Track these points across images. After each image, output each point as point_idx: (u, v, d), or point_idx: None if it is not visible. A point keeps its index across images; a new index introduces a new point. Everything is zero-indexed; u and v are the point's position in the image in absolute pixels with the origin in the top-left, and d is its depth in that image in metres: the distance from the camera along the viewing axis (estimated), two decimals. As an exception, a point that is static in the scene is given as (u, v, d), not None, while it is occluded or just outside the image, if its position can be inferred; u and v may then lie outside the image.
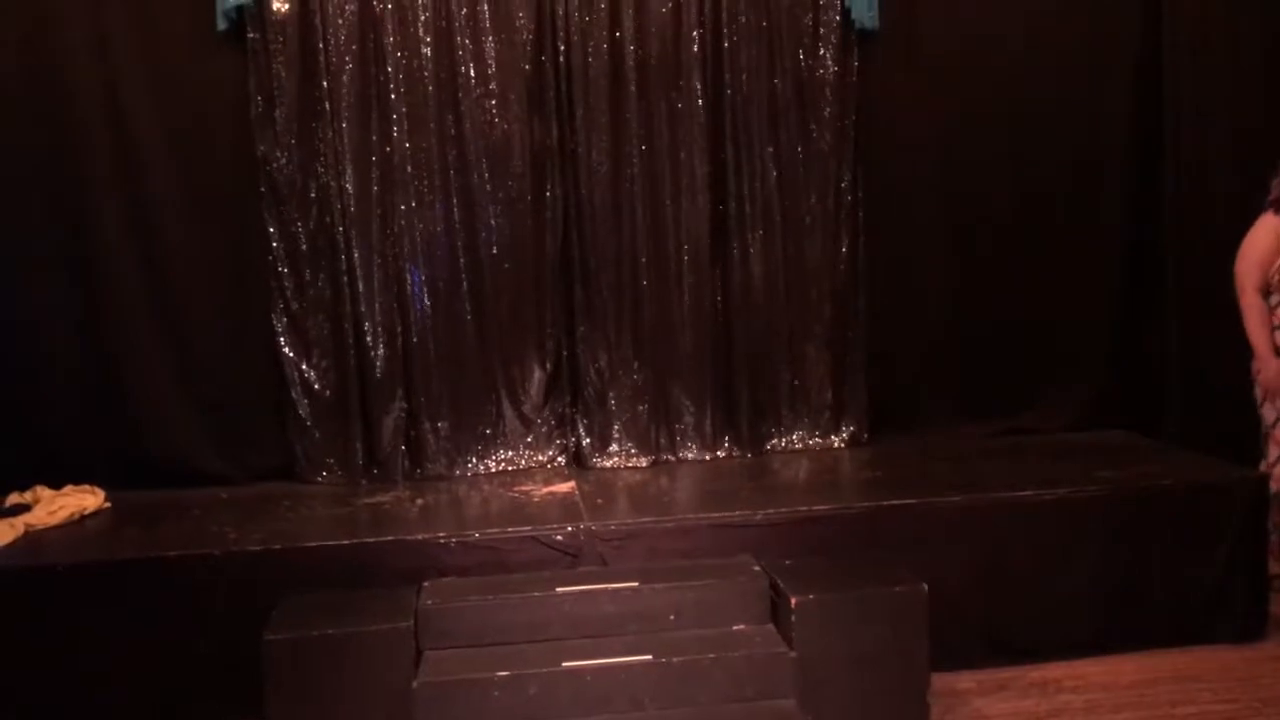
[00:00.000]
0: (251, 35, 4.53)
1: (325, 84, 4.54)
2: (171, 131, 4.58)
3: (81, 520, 4.24)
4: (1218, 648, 4.04)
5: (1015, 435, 5.02)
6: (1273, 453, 4.39)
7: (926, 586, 3.59)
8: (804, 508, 4.05)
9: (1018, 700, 3.73)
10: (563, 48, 4.66)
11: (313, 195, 4.61)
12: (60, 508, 4.23)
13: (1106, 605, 4.04)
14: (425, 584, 3.73)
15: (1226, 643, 4.06)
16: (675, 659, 3.44)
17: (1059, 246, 5.08)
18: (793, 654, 3.47)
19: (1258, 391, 4.43)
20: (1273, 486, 4.30)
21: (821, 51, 4.82)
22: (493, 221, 4.71)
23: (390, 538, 3.90)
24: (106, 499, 4.40)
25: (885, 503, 4.07)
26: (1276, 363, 4.30)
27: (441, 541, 3.85)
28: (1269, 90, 4.86)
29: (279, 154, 4.57)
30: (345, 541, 3.88)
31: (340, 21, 4.54)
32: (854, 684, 3.52)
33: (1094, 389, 5.14)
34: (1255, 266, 4.35)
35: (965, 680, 3.85)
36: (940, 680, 3.69)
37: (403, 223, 4.65)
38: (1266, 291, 4.33)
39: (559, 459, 4.87)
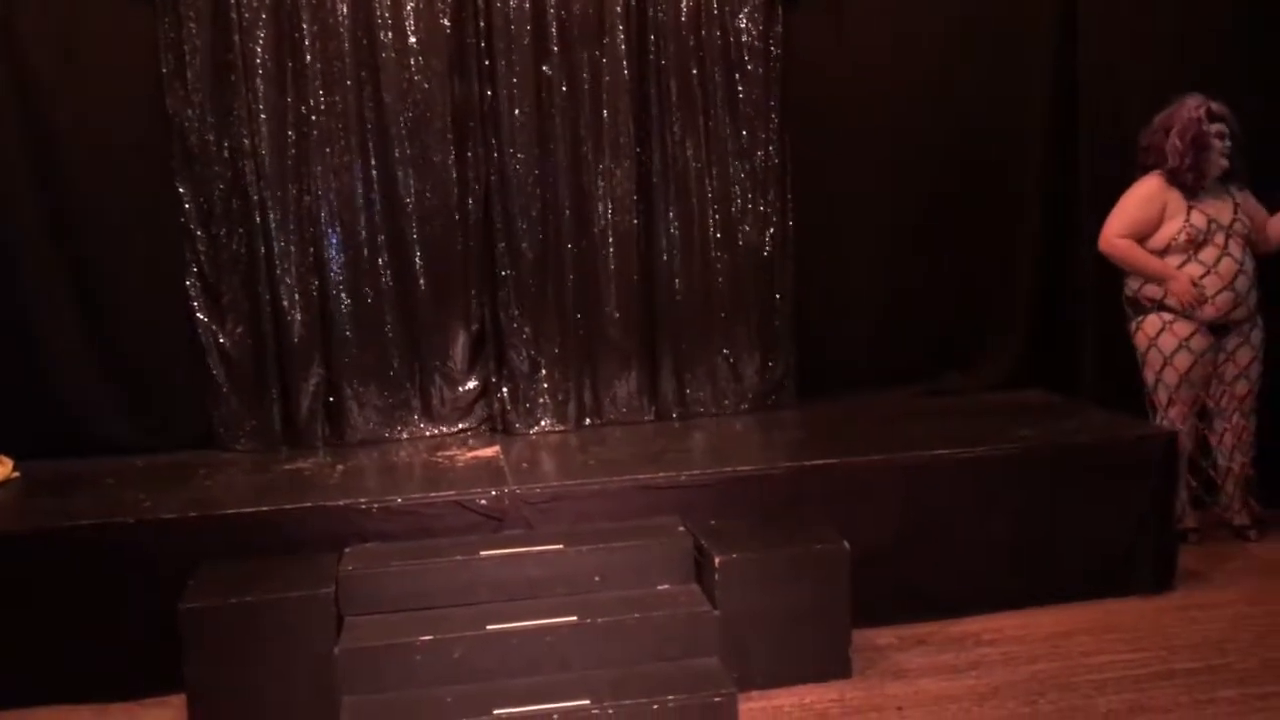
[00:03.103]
0: (161, -11, 4.40)
1: (238, 40, 4.42)
2: (79, 90, 4.44)
3: (-11, 491, 4.13)
4: (1130, 599, 4.14)
5: (938, 396, 5.08)
6: (1163, 397, 4.52)
7: (848, 545, 3.64)
8: (729, 469, 4.07)
9: (936, 654, 3.80)
10: (483, 6, 4.58)
11: (226, 156, 4.50)
12: (-33, 478, 4.12)
13: (1023, 560, 4.12)
14: (346, 550, 3.69)
15: (1138, 594, 4.17)
16: (600, 620, 3.45)
17: (981, 212, 5.13)
18: (716, 613, 3.50)
19: (1139, 340, 4.58)
20: (1183, 443, 4.44)
21: (746, 9, 4.79)
22: (413, 183, 4.63)
23: (310, 504, 3.84)
24: (15, 468, 4.29)
25: (808, 463, 4.10)
26: (1180, 273, 4.42)
27: (363, 507, 3.81)
28: (1182, 59, 4.93)
29: (190, 113, 4.45)
30: (265, 508, 3.81)
31: (253, -24, 4.43)
32: (777, 641, 3.57)
33: (1014, 350, 5.22)
34: (1119, 217, 4.51)
35: (885, 636, 3.91)
36: (861, 636, 3.74)
37: (320, 184, 4.57)
38: (1163, 250, 4.46)
39: (483, 424, 4.83)
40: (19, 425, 4.44)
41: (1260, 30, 4.95)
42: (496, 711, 3.15)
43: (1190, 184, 4.43)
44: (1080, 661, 3.70)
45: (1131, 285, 4.62)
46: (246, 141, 4.48)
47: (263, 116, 4.48)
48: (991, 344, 5.22)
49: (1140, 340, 4.60)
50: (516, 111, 4.64)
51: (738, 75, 4.83)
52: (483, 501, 3.86)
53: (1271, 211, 4.58)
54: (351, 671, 3.31)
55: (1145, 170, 4.55)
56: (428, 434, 4.76)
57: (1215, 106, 4.43)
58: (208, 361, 4.58)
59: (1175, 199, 4.46)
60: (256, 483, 4.19)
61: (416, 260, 4.68)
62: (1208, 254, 4.43)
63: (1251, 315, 4.55)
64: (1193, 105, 4.43)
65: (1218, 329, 4.51)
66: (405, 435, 4.74)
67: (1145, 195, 4.50)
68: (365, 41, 4.54)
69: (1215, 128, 4.41)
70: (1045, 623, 3.99)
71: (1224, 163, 4.44)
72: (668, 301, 4.88)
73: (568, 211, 4.74)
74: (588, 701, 3.18)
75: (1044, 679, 3.59)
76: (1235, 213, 4.48)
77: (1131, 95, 4.91)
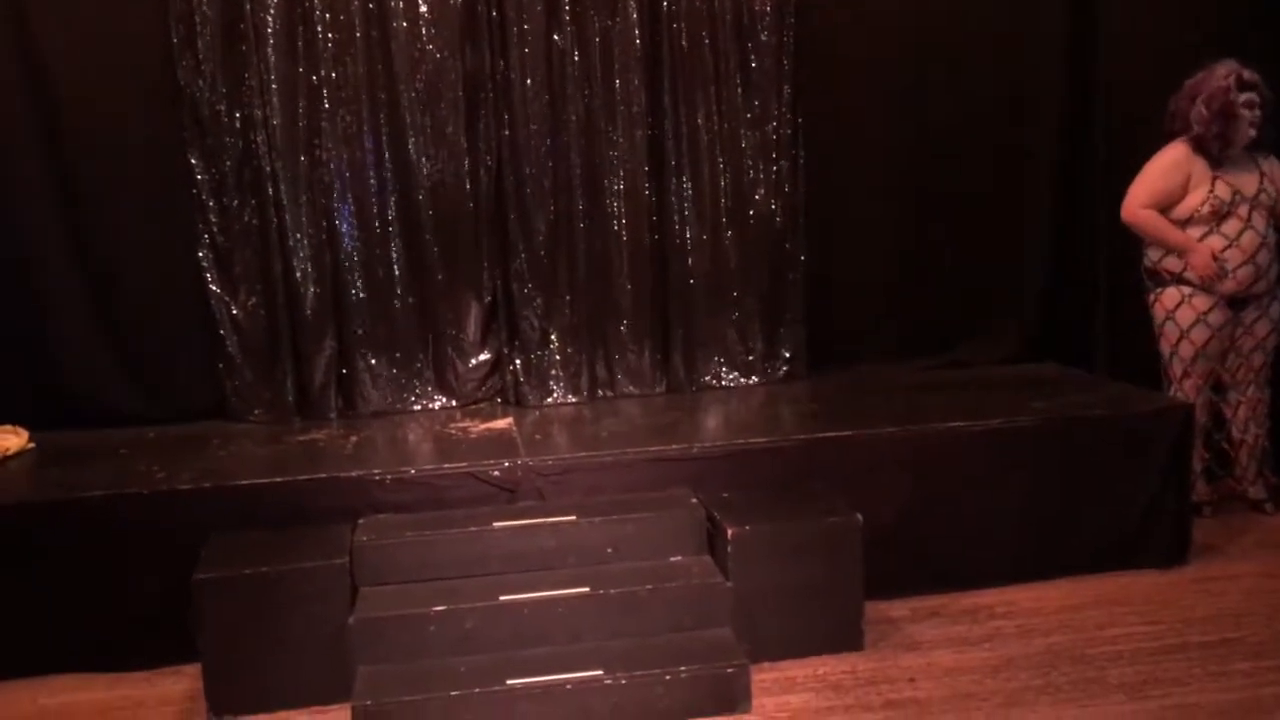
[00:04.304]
0: (170, -42, 4.37)
1: (248, 9, 4.39)
2: (87, 60, 4.41)
3: (4, 462, 4.13)
4: (1143, 572, 4.14)
5: (951, 369, 5.06)
6: (1177, 369, 4.50)
7: (860, 517, 3.64)
8: (741, 441, 4.07)
9: (949, 626, 3.80)
10: (495, -27, 4.56)
11: (237, 126, 4.48)
12: (-18, 449, 4.13)
13: (1037, 533, 4.12)
14: (360, 521, 3.70)
15: (1152, 568, 4.16)
16: (613, 591, 3.46)
17: (995, 184, 5.09)
18: (729, 584, 3.50)
19: (1157, 311, 4.55)
20: (1196, 416, 4.41)
21: (759, -23, 4.76)
22: (424, 154, 4.61)
23: (324, 475, 3.85)
24: (30, 440, 4.30)
25: (821, 435, 4.10)
26: (1202, 246, 4.37)
27: (376, 478, 3.81)
28: (1198, 32, 4.87)
29: (201, 83, 4.43)
30: (278, 479, 3.82)
31: (263, -55, 4.39)
32: (789, 613, 3.58)
33: (1028, 322, 5.19)
34: (1143, 186, 4.45)
35: (899, 608, 3.91)
36: (874, 608, 3.74)
37: (331, 155, 4.54)
38: (1186, 221, 4.41)
39: (496, 396, 4.83)
40: (33, 397, 4.46)
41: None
42: (509, 681, 3.17)
43: (1216, 153, 4.38)
44: (1094, 634, 3.70)
45: (1151, 256, 4.58)
46: (258, 112, 4.46)
47: (274, 87, 4.46)
48: (1005, 316, 5.19)
49: (1158, 312, 4.57)
50: (528, 82, 4.61)
51: (750, 45, 4.79)
52: (495, 473, 3.87)
53: None
54: (365, 641, 3.33)
55: (1171, 136, 4.49)
56: (440, 405, 4.76)
57: (1247, 75, 4.35)
58: (220, 333, 4.58)
59: (1200, 168, 4.40)
60: (270, 454, 4.20)
61: (428, 232, 4.67)
62: (1230, 226, 4.39)
63: (1271, 288, 4.51)
64: (1222, 73, 4.36)
65: (1236, 302, 4.47)
66: (418, 407, 4.74)
67: (1169, 164, 4.44)
68: (376, 11, 4.51)
69: (1245, 97, 4.34)
70: (1058, 595, 3.99)
71: (1251, 133, 4.38)
72: (680, 273, 4.85)
73: (580, 183, 4.72)
74: (600, 672, 3.20)
75: (1057, 651, 3.59)
76: (1261, 183, 4.42)
77: (1151, 65, 4.86)
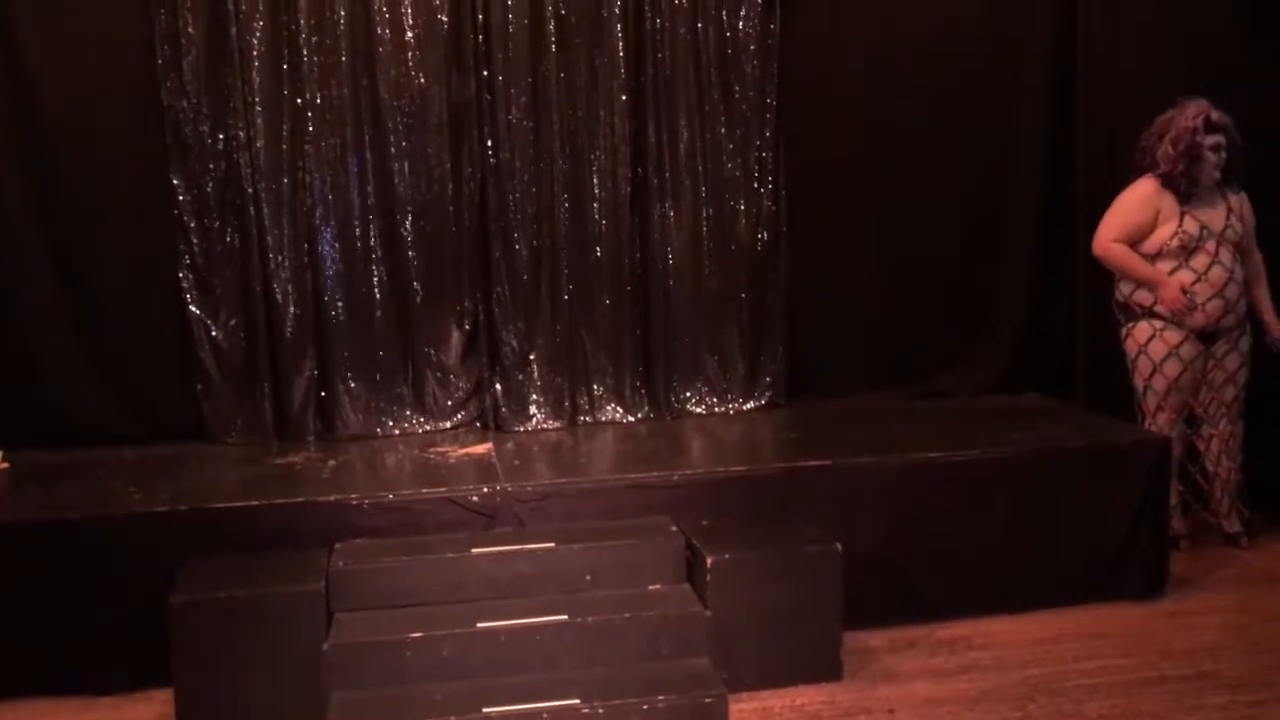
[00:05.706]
0: (156, -21, 4.38)
1: (234, 32, 4.40)
2: (72, 80, 4.40)
3: (-22, 481, 4.11)
4: (1121, 605, 4.15)
5: (931, 398, 5.08)
6: (1151, 403, 4.52)
7: (840, 546, 3.63)
8: (721, 469, 4.07)
9: (927, 657, 3.80)
10: (481, 2, 4.56)
11: (220, 148, 4.48)
12: (-45, 468, 4.09)
13: (1015, 564, 4.12)
14: (337, 545, 3.68)
15: (1129, 600, 4.17)
16: (591, 619, 3.44)
17: (975, 212, 5.13)
18: (708, 613, 3.49)
19: (1129, 346, 4.58)
20: (1174, 448, 4.44)
21: (744, 10, 4.79)
22: (408, 178, 4.62)
23: (301, 499, 3.83)
24: (5, 459, 4.26)
25: (801, 464, 4.10)
26: (1171, 280, 4.41)
27: (354, 503, 3.79)
28: (1183, 56, 4.94)
29: (185, 104, 4.43)
30: (255, 503, 3.79)
31: (250, -32, 4.40)
32: (768, 642, 3.57)
33: (1008, 353, 5.21)
34: (1113, 220, 4.50)
35: (876, 638, 3.90)
36: (851, 638, 3.74)
37: (314, 178, 4.54)
38: (1155, 255, 4.45)
39: (476, 421, 4.82)
40: (9, 415, 4.42)
41: (1264, 25, 4.95)
42: (486, 710, 3.14)
43: (1183, 190, 4.43)
44: (1071, 666, 3.70)
45: (1123, 290, 4.62)
46: (241, 134, 4.46)
47: (258, 109, 4.47)
48: (984, 346, 5.22)
49: (1130, 346, 4.61)
50: (513, 108, 4.63)
51: (734, 75, 4.83)
52: (474, 498, 3.85)
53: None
54: (340, 667, 3.30)
55: (1141, 171, 4.55)
56: (420, 430, 4.74)
57: (1216, 116, 4.41)
58: (199, 354, 4.57)
59: (1169, 203, 4.45)
60: (247, 476, 4.17)
61: (410, 256, 4.67)
62: (1199, 261, 4.43)
63: (1241, 322, 4.56)
64: (1191, 114, 4.41)
65: (1207, 336, 4.51)
66: (397, 431, 4.72)
67: (1139, 199, 4.49)
68: (362, 35, 4.52)
69: (1211, 140, 4.40)
70: (1036, 627, 3.99)
71: (1216, 174, 4.44)
72: (661, 300, 4.86)
73: (562, 209, 4.73)
74: (577, 701, 3.17)
75: (1034, 683, 3.59)
76: (1228, 219, 4.47)
77: (1130, 97, 4.91)
